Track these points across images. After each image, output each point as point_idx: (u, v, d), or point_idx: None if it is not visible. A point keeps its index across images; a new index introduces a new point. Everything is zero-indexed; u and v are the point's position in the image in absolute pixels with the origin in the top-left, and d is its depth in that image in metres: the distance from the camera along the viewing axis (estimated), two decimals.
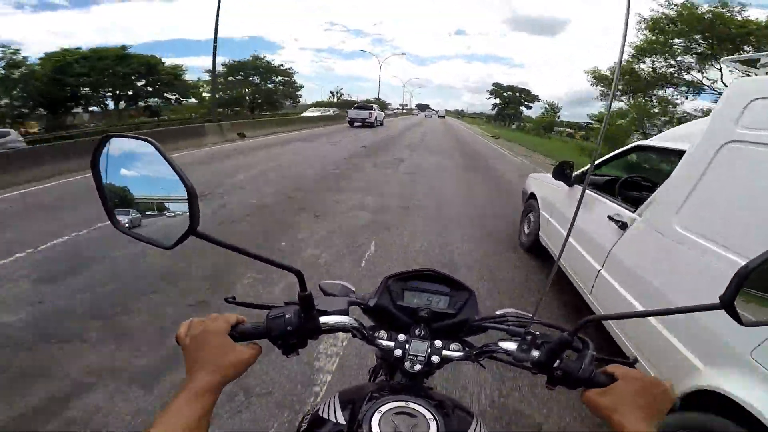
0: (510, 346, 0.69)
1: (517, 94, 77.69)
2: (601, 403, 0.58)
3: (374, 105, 29.15)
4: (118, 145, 0.54)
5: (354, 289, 0.86)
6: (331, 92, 61.44)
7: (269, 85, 40.10)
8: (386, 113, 40.66)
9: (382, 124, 27.69)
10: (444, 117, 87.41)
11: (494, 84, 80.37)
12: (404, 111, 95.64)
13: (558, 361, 0.63)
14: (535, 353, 0.66)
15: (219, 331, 0.60)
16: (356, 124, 24.89)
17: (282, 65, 36.49)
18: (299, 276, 0.61)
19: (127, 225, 0.56)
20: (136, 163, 0.53)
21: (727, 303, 0.47)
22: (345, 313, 0.72)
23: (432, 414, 0.58)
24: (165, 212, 0.54)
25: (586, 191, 1.04)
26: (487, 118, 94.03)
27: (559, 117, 55.62)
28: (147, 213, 0.55)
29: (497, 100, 79.30)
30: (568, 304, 3.07)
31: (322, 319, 0.68)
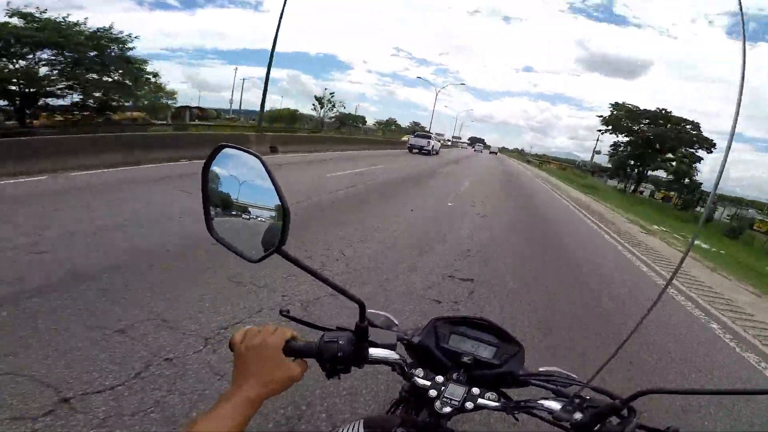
0: (552, 405, 0.68)
1: (677, 128, 37.70)
2: None
3: (433, 134, 32.82)
4: (229, 156, 0.59)
5: (397, 322, 0.87)
6: (317, 98, 45.39)
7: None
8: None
9: (437, 153, 28.86)
10: (497, 153, 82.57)
11: (614, 106, 42.00)
12: (449, 143, 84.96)
13: (600, 425, 0.62)
14: (578, 415, 0.65)
15: (275, 346, 0.61)
16: (414, 150, 26.26)
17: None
18: (362, 307, 0.64)
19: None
20: (242, 174, 0.58)
21: None
22: (393, 348, 0.74)
23: None
24: (257, 225, 0.58)
25: None
26: (579, 167, 62.40)
27: None
28: (242, 222, 0.60)
29: (620, 137, 41.78)
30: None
31: (371, 351, 0.70)
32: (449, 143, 78.19)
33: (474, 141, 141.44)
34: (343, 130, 41.00)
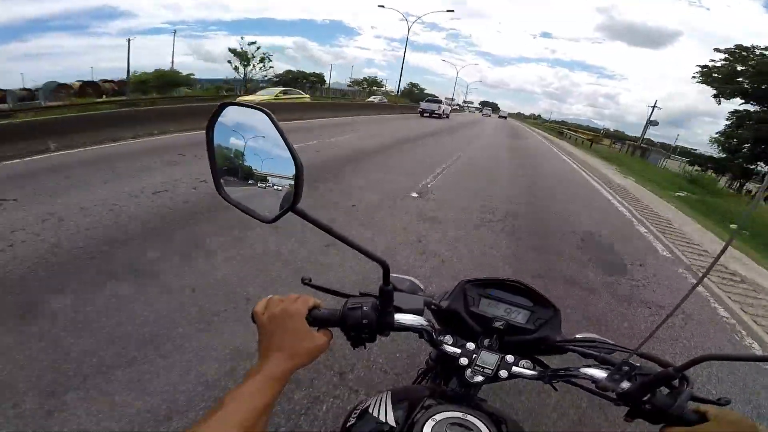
0: (596, 373, 0.63)
1: None
2: None
3: (443, 99, 32.80)
4: (233, 113, 0.55)
5: (422, 287, 0.83)
6: (234, 52, 34.74)
7: None
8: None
9: (448, 117, 30.03)
10: (506, 118, 74.17)
11: (733, 52, 22.17)
12: (458, 108, 72.66)
13: (650, 394, 0.57)
14: (625, 384, 0.60)
15: (298, 314, 0.59)
16: (425, 114, 27.78)
17: None
18: (385, 268, 0.59)
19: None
20: (248, 132, 0.54)
21: None
22: (420, 313, 0.70)
23: (488, 429, 0.55)
24: (270, 184, 0.55)
25: None
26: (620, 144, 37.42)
27: None
28: (252, 182, 0.56)
29: (746, 105, 22.70)
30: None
31: (397, 317, 0.66)
32: (457, 107, 74.85)
33: (485, 105, 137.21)
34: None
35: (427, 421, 0.55)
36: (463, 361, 0.67)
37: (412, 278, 0.84)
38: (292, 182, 0.51)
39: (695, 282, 0.60)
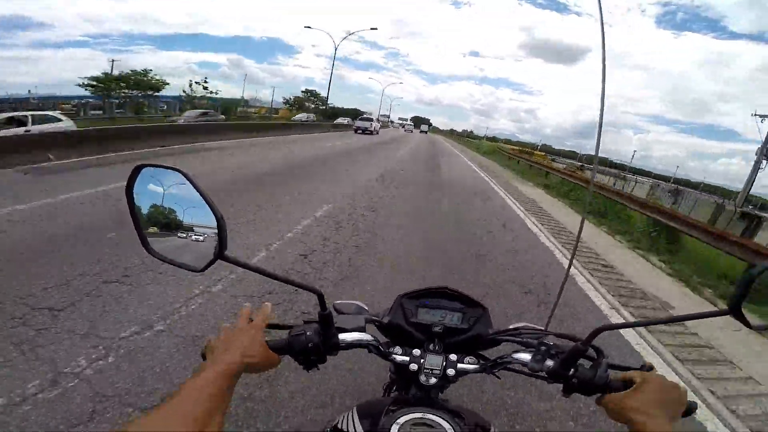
0: (525, 357, 0.71)
1: None
2: (624, 404, 0.59)
3: (374, 117, 38.73)
4: (150, 174, 0.57)
5: (367, 308, 0.88)
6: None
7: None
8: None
9: (377, 133, 34.12)
10: (426, 132, 72.56)
11: None
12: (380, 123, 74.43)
13: (573, 369, 0.65)
14: (550, 363, 0.68)
15: (257, 326, 0.63)
16: (359, 131, 31.58)
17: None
18: (320, 296, 0.65)
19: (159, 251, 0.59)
20: (167, 190, 0.57)
21: (734, 308, 0.49)
22: (362, 330, 0.75)
23: (450, 425, 0.60)
24: (195, 235, 0.57)
25: None
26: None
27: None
28: (178, 237, 0.58)
29: None
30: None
31: (341, 336, 0.72)
32: (387, 123, 75.13)
33: (419, 121, 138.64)
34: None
35: (392, 425, 0.59)
36: (413, 366, 0.72)
37: (357, 302, 0.89)
38: (216, 232, 0.54)
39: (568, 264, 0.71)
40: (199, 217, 0.55)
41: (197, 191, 0.53)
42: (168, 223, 0.58)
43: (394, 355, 0.75)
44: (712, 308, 2.66)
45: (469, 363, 0.74)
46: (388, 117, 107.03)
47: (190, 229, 0.57)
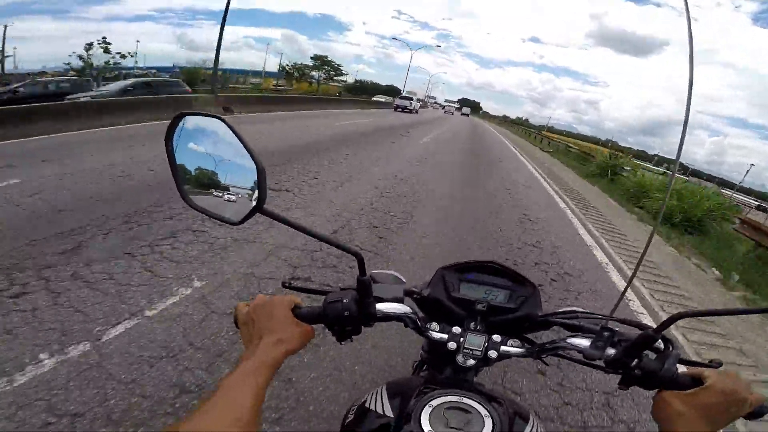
0: (582, 342, 0.64)
1: None
2: (672, 405, 0.54)
3: (414, 96, 38.56)
4: (191, 123, 0.55)
5: (404, 280, 0.84)
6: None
7: None
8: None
9: (417, 112, 35.30)
10: (468, 115, 67.51)
11: None
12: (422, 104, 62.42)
13: (637, 360, 0.59)
14: (611, 351, 0.61)
15: (284, 304, 0.61)
16: (398, 109, 32.78)
17: None
18: (359, 259, 0.60)
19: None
20: (208, 139, 0.54)
21: None
22: (401, 301, 0.70)
23: (487, 410, 0.56)
24: (234, 186, 0.55)
25: None
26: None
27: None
28: (218, 188, 0.56)
29: None
30: None
31: (378, 306, 0.67)
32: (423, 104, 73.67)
33: (463, 105, 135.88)
34: None
35: (424, 408, 0.55)
36: (452, 345, 0.68)
37: (393, 272, 0.84)
38: (255, 184, 0.51)
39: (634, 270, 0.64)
40: (240, 166, 0.52)
41: (239, 140, 0.51)
42: (208, 173, 0.56)
43: (432, 332, 0.71)
44: None
45: (514, 346, 0.69)
46: (434, 98, 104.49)
47: (230, 179, 0.55)
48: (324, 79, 47.54)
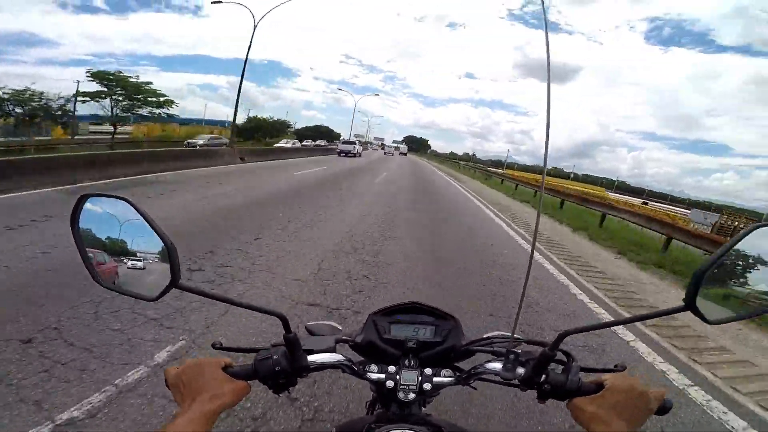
0: (497, 366, 0.70)
1: None
2: (586, 410, 0.60)
3: (356, 140, 38.39)
4: (95, 204, 0.55)
5: (341, 328, 0.87)
6: None
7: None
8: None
9: (360, 155, 34.84)
10: (406, 154, 67.24)
11: None
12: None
13: (544, 375, 0.65)
14: (521, 370, 0.67)
15: (214, 364, 0.61)
16: (342, 154, 31.56)
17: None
18: (283, 320, 0.63)
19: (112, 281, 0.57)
20: (115, 220, 0.55)
21: (690, 304, 0.50)
22: (332, 350, 0.74)
23: None
24: (145, 265, 0.56)
25: None
26: None
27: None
28: (128, 268, 0.56)
29: None
30: None
31: (310, 358, 0.70)
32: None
33: (411, 142, 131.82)
34: None
35: None
36: (390, 383, 0.71)
37: (330, 322, 0.88)
38: (167, 261, 0.52)
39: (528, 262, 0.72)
40: (149, 244, 0.53)
41: (144, 219, 0.52)
42: (117, 252, 0.56)
43: (369, 374, 0.74)
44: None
45: (445, 376, 0.73)
46: (383, 139, 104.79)
47: (139, 258, 0.55)
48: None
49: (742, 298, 0.54)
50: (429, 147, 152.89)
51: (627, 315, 3.33)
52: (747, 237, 0.50)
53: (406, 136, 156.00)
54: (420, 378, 0.72)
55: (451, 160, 67.92)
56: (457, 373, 0.74)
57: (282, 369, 0.65)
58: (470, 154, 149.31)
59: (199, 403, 0.55)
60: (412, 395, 0.71)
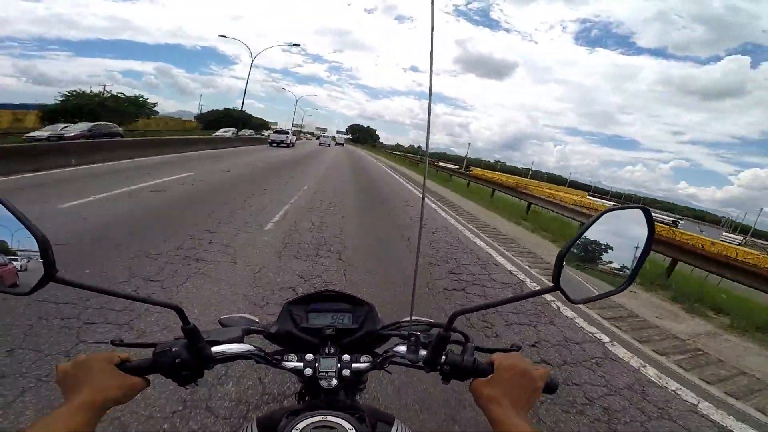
0: (402, 349, 0.73)
1: None
2: (483, 392, 0.60)
3: (289, 130, 35.39)
4: None
5: (257, 320, 0.86)
6: None
7: None
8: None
9: (293, 145, 31.49)
10: (343, 144, 65.18)
11: None
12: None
13: (444, 356, 0.67)
14: (423, 352, 0.70)
15: (106, 359, 0.59)
16: (274, 144, 29.43)
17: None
18: (179, 312, 0.62)
19: None
20: None
21: (556, 285, 0.56)
22: (240, 340, 0.73)
23: (350, 424, 0.60)
24: (21, 259, 0.53)
25: None
26: None
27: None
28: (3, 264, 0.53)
29: None
30: None
31: (215, 349, 0.68)
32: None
33: (353, 131, 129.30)
34: None
35: (292, 431, 0.58)
36: (308, 371, 0.72)
37: (246, 315, 0.87)
38: (40, 254, 0.50)
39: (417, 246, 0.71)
40: (24, 239, 0.50)
41: (13, 214, 0.49)
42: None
43: (286, 362, 0.74)
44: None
45: (362, 362, 0.75)
46: (325, 129, 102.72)
47: (13, 253, 0.52)
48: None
49: (600, 276, 0.62)
50: (377, 138, 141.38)
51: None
52: (600, 219, 0.58)
53: (350, 124, 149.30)
54: (339, 364, 0.73)
55: (397, 154, 57.87)
56: (373, 359, 0.76)
57: (183, 360, 0.64)
58: (417, 146, 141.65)
59: (80, 397, 0.53)
60: (334, 381, 0.72)
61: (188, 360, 0.64)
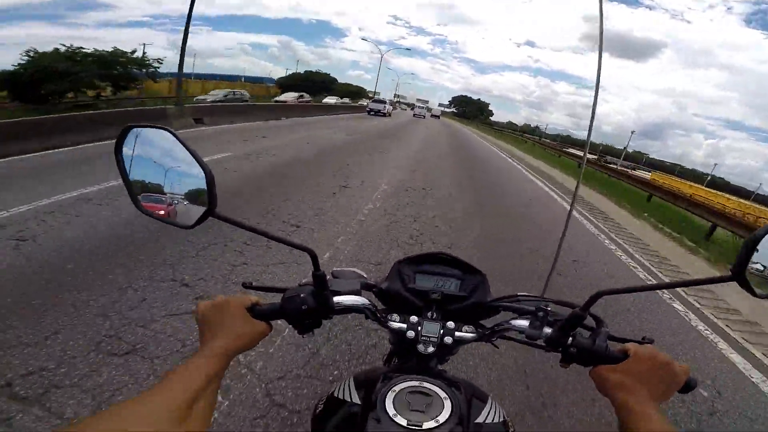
0: (522, 324, 0.69)
1: None
2: (609, 378, 0.58)
3: (387, 99, 38.00)
4: (140, 135, 0.57)
5: (366, 276, 0.86)
6: None
7: None
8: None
9: (390, 115, 33.80)
10: (439, 117, 61.86)
11: None
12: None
13: (571, 338, 0.63)
14: (547, 330, 0.66)
15: (238, 305, 0.63)
16: (371, 113, 31.46)
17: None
18: (313, 256, 0.63)
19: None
20: (157, 150, 0.56)
21: (738, 274, 0.47)
22: (358, 293, 0.73)
23: (447, 394, 0.59)
24: (185, 193, 0.57)
25: None
26: None
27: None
28: (169, 195, 0.58)
29: None
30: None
31: (336, 299, 0.70)
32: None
33: (460, 102, 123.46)
34: None
35: (388, 393, 0.58)
36: (410, 334, 0.71)
37: (355, 269, 0.87)
38: (205, 189, 0.54)
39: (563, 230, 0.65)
40: (189, 174, 0.54)
41: (186, 149, 0.53)
42: (160, 182, 0.58)
43: (391, 322, 0.74)
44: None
45: (467, 331, 0.73)
46: (427, 102, 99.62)
47: (182, 186, 0.57)
48: None
49: None
50: (491, 113, 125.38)
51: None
52: None
53: (455, 96, 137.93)
54: (442, 331, 0.71)
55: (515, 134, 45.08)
56: (480, 330, 0.74)
57: (309, 308, 0.66)
58: (533, 126, 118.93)
59: (214, 343, 0.57)
60: (431, 348, 0.71)
61: (314, 308, 0.66)
